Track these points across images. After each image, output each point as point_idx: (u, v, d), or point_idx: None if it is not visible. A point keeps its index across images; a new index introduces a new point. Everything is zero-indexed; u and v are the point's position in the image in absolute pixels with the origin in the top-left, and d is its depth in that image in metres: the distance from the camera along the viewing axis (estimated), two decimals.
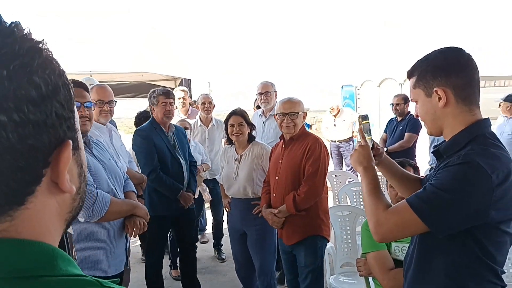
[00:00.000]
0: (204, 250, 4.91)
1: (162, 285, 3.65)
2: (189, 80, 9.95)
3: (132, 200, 2.36)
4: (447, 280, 1.32)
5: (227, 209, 3.47)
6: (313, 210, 2.80)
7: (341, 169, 7.26)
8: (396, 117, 5.61)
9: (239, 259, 3.36)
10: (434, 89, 1.32)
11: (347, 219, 3.34)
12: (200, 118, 4.81)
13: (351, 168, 7.04)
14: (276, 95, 4.35)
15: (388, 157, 1.71)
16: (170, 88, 9.59)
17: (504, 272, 1.33)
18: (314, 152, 2.75)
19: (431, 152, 1.44)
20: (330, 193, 5.12)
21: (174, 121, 5.05)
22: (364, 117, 1.66)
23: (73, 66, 6.74)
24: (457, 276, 1.30)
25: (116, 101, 3.15)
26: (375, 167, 1.56)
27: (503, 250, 1.31)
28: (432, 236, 1.33)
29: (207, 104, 4.73)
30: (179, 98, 5.22)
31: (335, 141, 7.20)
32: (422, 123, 1.46)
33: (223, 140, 5.08)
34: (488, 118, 1.35)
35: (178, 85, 9.92)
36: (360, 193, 4.38)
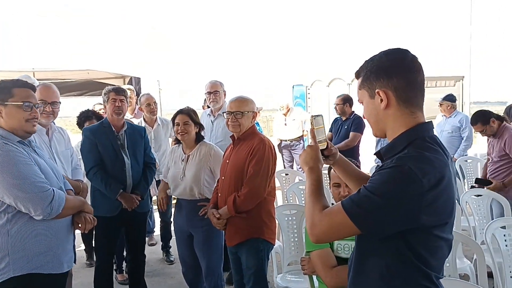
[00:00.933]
0: (152, 252, 4.80)
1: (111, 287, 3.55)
2: (139, 78, 9.69)
3: (80, 197, 2.43)
4: (381, 283, 1.33)
5: (161, 208, 3.47)
6: (255, 212, 2.76)
7: (292, 168, 7.35)
8: (340, 116, 5.77)
9: (186, 261, 3.31)
10: (376, 91, 1.33)
11: (294, 218, 3.38)
12: (144, 119, 4.72)
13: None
14: (225, 95, 4.32)
15: (343, 157, 1.71)
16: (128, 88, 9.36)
17: (440, 277, 1.33)
18: (258, 153, 2.73)
19: (374, 154, 1.46)
20: (279, 192, 5.20)
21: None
22: (316, 117, 1.63)
23: (14, 63, 6.39)
24: (390, 279, 1.31)
25: (60, 102, 3.04)
26: (324, 168, 1.56)
27: (438, 254, 1.30)
28: (367, 239, 1.35)
29: (153, 105, 4.65)
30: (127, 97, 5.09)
31: (286, 140, 7.27)
32: (367, 122, 1.47)
33: (171, 140, 5.00)
34: (430, 122, 1.36)
35: (127, 83, 9.67)
36: None
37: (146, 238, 4.88)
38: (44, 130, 2.89)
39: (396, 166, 1.22)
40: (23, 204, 1.98)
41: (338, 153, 1.68)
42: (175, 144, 3.39)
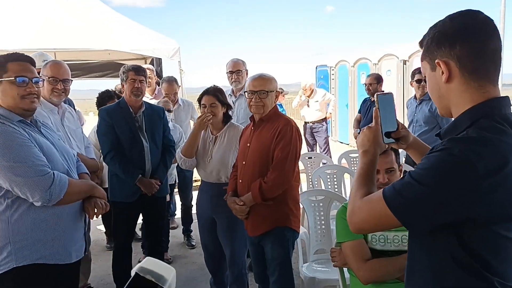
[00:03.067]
0: (173, 236, 4.70)
1: (129, 273, 3.45)
2: (160, 59, 9.53)
3: (89, 181, 2.22)
4: (433, 285, 1.15)
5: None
6: (282, 199, 2.57)
7: (314, 150, 7.15)
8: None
9: (208, 248, 3.16)
10: (436, 61, 1.13)
11: (321, 204, 3.20)
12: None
13: (325, 149, 6.93)
14: (247, 74, 4.12)
15: (419, 140, 1.51)
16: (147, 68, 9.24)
17: (510, 285, 1.10)
18: (285, 136, 2.52)
19: (435, 135, 1.25)
20: (303, 176, 5.02)
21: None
22: (383, 96, 1.41)
23: (38, 43, 6.35)
24: (443, 282, 1.13)
25: (72, 80, 2.91)
26: (379, 152, 1.36)
27: (502, 256, 1.08)
28: (416, 233, 1.18)
29: (172, 96, 4.55)
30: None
31: (308, 122, 7.06)
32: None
33: (192, 122, 4.85)
34: (506, 97, 1.13)
35: (149, 64, 9.55)
36: (335, 176, 4.25)
37: (169, 221, 4.82)
38: (55, 109, 2.76)
39: (445, 149, 1.03)
40: (19, 189, 1.81)
41: (411, 135, 1.47)
42: None
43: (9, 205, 1.85)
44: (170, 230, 4.63)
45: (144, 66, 5.18)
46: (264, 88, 2.59)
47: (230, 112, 3.12)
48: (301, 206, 3.10)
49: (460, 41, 1.09)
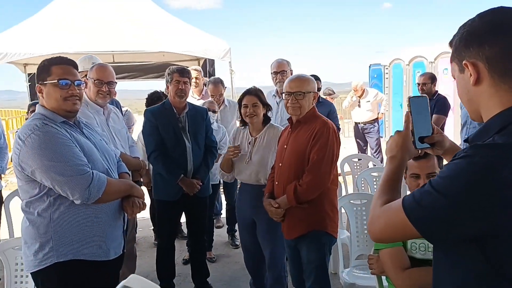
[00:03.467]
0: (217, 235, 4.76)
1: (172, 270, 3.55)
2: (213, 60, 9.67)
3: (128, 180, 2.27)
4: None
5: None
6: (318, 202, 2.52)
7: (366, 152, 6.97)
8: None
9: (248, 249, 3.17)
10: (464, 62, 1.04)
11: (363, 208, 3.10)
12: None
13: (376, 151, 6.74)
14: (291, 75, 4.07)
15: (456, 145, 1.43)
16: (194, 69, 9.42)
17: None
18: (321, 138, 2.47)
19: (463, 141, 1.16)
20: (349, 178, 4.91)
21: (191, 101, 4.89)
22: (416, 99, 1.33)
23: (97, 45, 6.68)
24: None
25: (116, 82, 3.02)
26: (407, 159, 1.29)
27: None
28: (439, 244, 1.10)
29: (217, 97, 4.57)
30: (192, 78, 5.03)
31: (359, 123, 6.89)
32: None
33: (238, 122, 4.88)
34: None
35: (202, 66, 9.73)
36: None
37: (214, 220, 4.88)
38: (101, 110, 2.87)
39: (466, 156, 0.95)
40: (60, 187, 1.88)
41: (448, 140, 1.40)
42: (241, 125, 3.22)
43: (51, 202, 1.93)
44: (215, 229, 4.69)
45: (192, 67, 5.29)
46: (300, 89, 2.55)
47: (269, 113, 3.11)
48: (342, 210, 3.04)
49: (489, 40, 1.00)
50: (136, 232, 3.81)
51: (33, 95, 8.52)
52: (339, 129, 4.93)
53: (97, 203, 1.97)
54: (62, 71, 2.00)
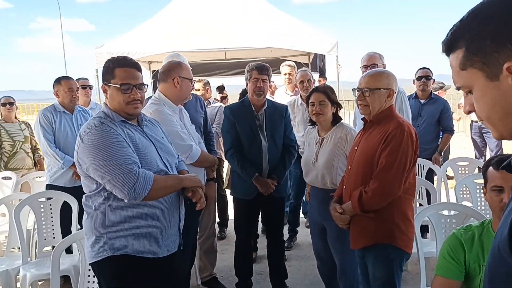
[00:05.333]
0: (306, 235, 4.63)
1: (249, 268, 3.54)
2: (323, 55, 9.46)
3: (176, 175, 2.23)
4: None
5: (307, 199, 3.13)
6: (386, 212, 2.25)
7: (484, 155, 6.19)
8: None
9: (320, 255, 3.00)
10: (505, 66, 0.76)
11: (454, 220, 2.72)
12: (301, 96, 4.45)
13: (496, 153, 5.96)
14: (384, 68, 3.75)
15: None
16: (304, 63, 9.32)
17: None
18: (393, 140, 2.19)
19: None
20: (451, 182, 4.39)
21: (280, 98, 4.81)
22: None
23: (209, 43, 7.05)
24: None
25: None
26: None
27: None
28: None
29: (306, 82, 4.33)
30: (285, 74, 4.97)
31: (475, 121, 6.14)
32: None
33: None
34: None
35: (312, 61, 9.59)
36: None
37: (305, 219, 4.77)
38: (177, 109, 2.92)
39: None
40: (109, 185, 1.94)
41: None
42: (309, 124, 3.05)
43: (106, 198, 2.00)
44: (306, 229, 4.58)
45: (285, 63, 5.21)
46: (369, 85, 2.30)
47: (340, 113, 2.91)
48: (428, 221, 2.71)
49: None
50: (215, 228, 3.87)
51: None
52: (452, 131, 4.45)
53: (145, 200, 1.99)
54: (125, 74, 2.04)
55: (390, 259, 2.28)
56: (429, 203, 4.01)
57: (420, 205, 3.92)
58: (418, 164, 4.07)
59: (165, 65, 2.97)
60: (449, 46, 0.85)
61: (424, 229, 3.41)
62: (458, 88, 0.88)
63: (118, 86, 2.02)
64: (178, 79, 2.82)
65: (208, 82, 5.05)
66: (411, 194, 2.32)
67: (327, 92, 2.80)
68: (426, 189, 3.90)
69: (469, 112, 0.90)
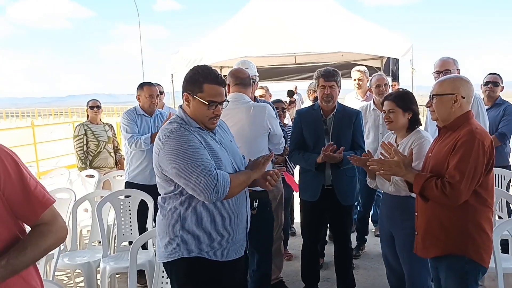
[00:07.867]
0: (375, 244, 4.53)
1: (315, 273, 3.54)
2: (397, 59, 9.18)
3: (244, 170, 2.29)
4: None
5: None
6: (458, 221, 2.15)
7: None
8: None
9: (389, 262, 2.93)
10: None
11: None
12: (374, 102, 4.37)
13: None
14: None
15: None
16: (376, 68, 9.11)
17: None
18: (463, 148, 2.10)
19: None
20: None
21: (351, 103, 4.74)
22: None
23: (278, 48, 7.17)
24: None
25: None
26: None
27: None
28: None
29: (383, 87, 4.24)
30: (355, 80, 4.91)
31: None
32: None
33: None
34: None
35: (384, 65, 9.35)
36: None
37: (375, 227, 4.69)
38: None
39: None
40: (190, 188, 2.00)
41: None
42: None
43: (183, 201, 2.08)
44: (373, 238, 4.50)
45: (355, 68, 5.13)
46: (437, 91, 2.27)
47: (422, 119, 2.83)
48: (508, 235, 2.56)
49: None
50: (283, 232, 3.90)
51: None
52: (502, 136, 4.13)
53: (225, 199, 2.05)
54: (214, 92, 2.08)
55: (464, 272, 2.17)
56: (509, 216, 3.79)
57: (500, 217, 3.70)
58: (497, 175, 3.83)
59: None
60: None
61: (505, 244, 3.21)
62: None
63: (206, 103, 2.07)
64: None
65: (268, 89, 5.08)
66: (488, 206, 2.19)
67: (397, 100, 2.74)
68: (506, 201, 3.68)
69: None
